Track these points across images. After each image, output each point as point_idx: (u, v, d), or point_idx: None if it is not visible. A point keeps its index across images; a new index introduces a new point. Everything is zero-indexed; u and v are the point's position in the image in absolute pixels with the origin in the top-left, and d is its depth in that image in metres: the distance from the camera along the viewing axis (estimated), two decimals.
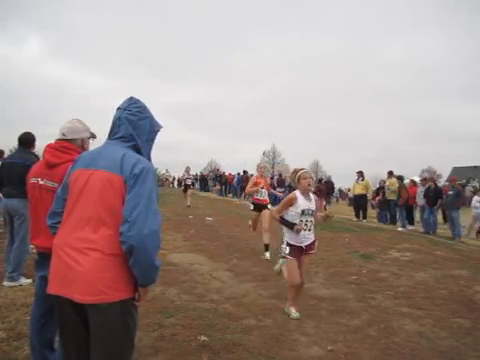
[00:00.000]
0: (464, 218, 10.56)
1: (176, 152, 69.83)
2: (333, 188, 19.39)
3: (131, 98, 1.81)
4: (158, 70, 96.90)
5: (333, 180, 20.82)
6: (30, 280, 4.07)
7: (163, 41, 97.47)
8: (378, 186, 13.70)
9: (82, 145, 2.32)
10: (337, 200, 30.86)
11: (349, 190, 21.22)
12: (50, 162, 2.22)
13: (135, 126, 1.74)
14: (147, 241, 1.49)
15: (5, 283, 4.06)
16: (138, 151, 1.72)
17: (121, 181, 1.56)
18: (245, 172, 20.79)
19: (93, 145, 2.37)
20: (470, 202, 21.36)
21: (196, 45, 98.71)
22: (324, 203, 16.83)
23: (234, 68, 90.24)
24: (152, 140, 1.83)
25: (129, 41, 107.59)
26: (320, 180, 19.47)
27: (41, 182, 2.22)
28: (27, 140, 4.23)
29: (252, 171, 25.32)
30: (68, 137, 2.27)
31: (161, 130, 1.88)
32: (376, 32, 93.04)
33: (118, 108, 1.78)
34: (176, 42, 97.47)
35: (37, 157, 4.39)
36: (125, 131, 1.72)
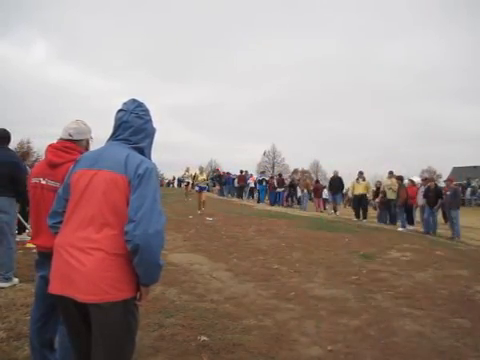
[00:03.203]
0: (464, 218, 10.56)
1: (177, 152, 70.09)
2: (342, 185, 14.94)
3: (135, 100, 1.82)
4: (160, 71, 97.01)
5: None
6: (17, 280, 4.10)
7: (164, 42, 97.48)
8: (376, 187, 13.69)
9: (86, 146, 2.34)
10: (348, 201, 20.66)
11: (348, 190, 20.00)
12: (53, 162, 2.22)
13: (141, 129, 1.76)
14: (152, 241, 1.50)
15: (0, 284, 4.04)
16: (141, 152, 1.74)
17: (125, 181, 1.58)
18: (242, 172, 21.69)
19: (91, 146, 2.39)
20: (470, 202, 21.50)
21: (198, 47, 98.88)
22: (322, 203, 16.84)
23: (235, 69, 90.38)
24: (152, 142, 1.86)
25: (130, 42, 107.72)
26: (317, 181, 19.42)
27: (43, 182, 2.22)
28: (5, 136, 4.10)
29: (251, 171, 25.44)
30: (74, 138, 2.28)
31: (158, 131, 1.92)
32: (376, 34, 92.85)
33: (122, 110, 1.78)
34: (177, 44, 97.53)
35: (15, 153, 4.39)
36: (131, 133, 1.74)
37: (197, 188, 11.81)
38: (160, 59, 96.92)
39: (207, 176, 10.82)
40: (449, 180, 11.20)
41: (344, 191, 16.90)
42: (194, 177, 17.52)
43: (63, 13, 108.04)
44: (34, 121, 62.34)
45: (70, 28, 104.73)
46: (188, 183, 16.87)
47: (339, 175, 14.97)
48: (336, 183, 14.84)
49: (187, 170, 17.73)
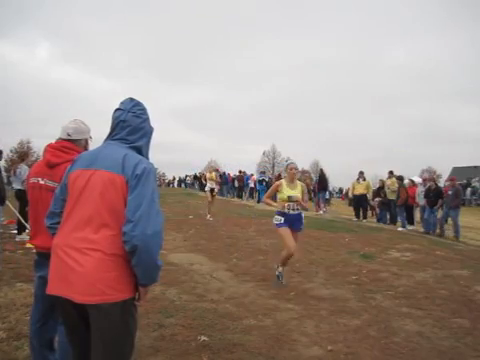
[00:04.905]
0: (464, 218, 10.55)
1: (177, 152, 70.23)
2: (325, 183, 15.09)
3: (132, 99, 1.80)
4: (161, 72, 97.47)
5: (326, 174, 15.55)
6: None
7: (166, 43, 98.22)
8: (378, 186, 13.66)
9: (85, 146, 2.33)
10: (329, 198, 22.33)
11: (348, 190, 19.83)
12: (51, 162, 2.21)
13: (139, 128, 1.75)
14: (150, 241, 1.50)
15: None
16: (139, 152, 1.73)
17: (123, 181, 1.56)
18: (240, 172, 21.46)
19: (90, 146, 2.38)
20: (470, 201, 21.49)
21: (198, 47, 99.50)
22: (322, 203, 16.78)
23: (236, 70, 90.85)
24: (150, 141, 1.84)
25: (132, 43, 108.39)
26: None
27: (42, 182, 2.22)
28: None
29: (251, 171, 25.28)
30: (73, 137, 2.27)
31: (159, 131, 1.90)
32: (376, 35, 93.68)
33: (119, 109, 1.76)
34: (178, 44, 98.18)
35: None
36: (129, 133, 1.72)
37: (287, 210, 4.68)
38: (161, 60, 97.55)
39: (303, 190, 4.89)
40: (451, 179, 11.20)
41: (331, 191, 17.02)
42: (267, 181, 15.63)
43: (65, 15, 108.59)
44: (34, 121, 62.41)
45: (72, 29, 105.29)
46: (212, 189, 11.40)
47: (323, 172, 15.42)
48: (321, 181, 14.94)
49: (214, 170, 12.33)
